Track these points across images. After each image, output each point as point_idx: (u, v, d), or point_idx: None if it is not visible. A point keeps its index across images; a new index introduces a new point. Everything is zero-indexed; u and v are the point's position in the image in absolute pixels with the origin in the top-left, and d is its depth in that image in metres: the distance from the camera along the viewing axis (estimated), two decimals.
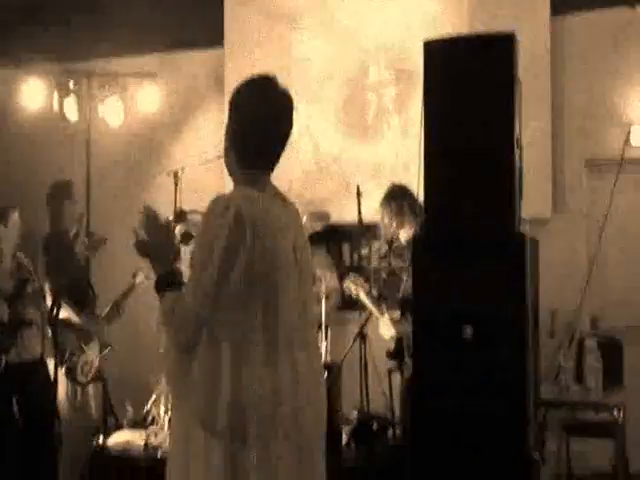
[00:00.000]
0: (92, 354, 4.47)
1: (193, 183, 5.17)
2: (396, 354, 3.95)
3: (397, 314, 3.99)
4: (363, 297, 4.27)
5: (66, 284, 4.25)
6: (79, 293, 4.47)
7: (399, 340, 3.95)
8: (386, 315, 4.07)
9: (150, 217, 2.26)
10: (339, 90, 5.90)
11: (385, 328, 4.12)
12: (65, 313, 4.22)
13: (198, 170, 5.17)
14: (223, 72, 5.95)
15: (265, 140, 2.25)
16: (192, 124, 6.23)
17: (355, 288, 4.28)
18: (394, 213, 4.17)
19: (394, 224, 4.16)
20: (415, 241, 3.32)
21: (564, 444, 4.58)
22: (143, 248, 2.26)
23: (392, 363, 4.18)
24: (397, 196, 4.21)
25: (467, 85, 3.26)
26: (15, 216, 4.63)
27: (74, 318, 4.30)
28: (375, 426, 4.24)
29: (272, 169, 2.29)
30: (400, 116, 5.76)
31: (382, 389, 4.53)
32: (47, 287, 4.31)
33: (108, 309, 4.61)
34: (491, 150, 3.20)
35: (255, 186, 2.22)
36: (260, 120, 2.24)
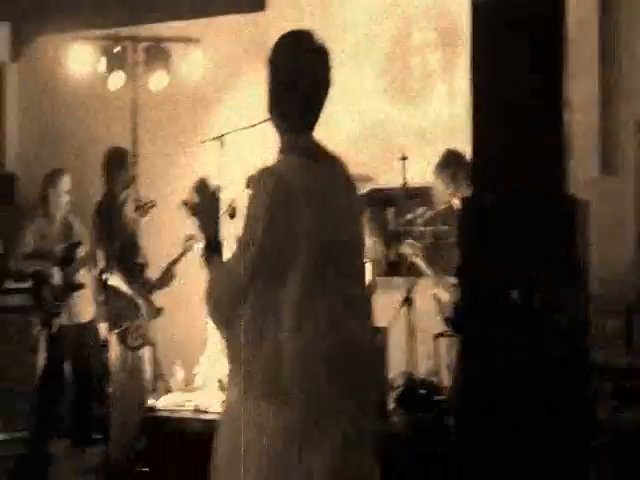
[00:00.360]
0: (142, 318, 4.52)
1: (238, 148, 5.18)
2: (455, 320, 3.92)
3: (453, 280, 3.96)
4: (420, 263, 4.24)
5: (118, 248, 4.30)
6: (130, 258, 4.51)
7: (456, 306, 3.91)
8: (443, 281, 4.05)
9: (203, 183, 2.28)
10: (383, 53, 5.82)
11: (442, 294, 4.10)
12: (115, 281, 4.26)
13: (243, 135, 5.17)
14: (266, 36, 5.91)
15: (300, 95, 2.22)
16: (236, 89, 6.22)
17: (412, 253, 4.26)
18: (449, 179, 4.13)
19: (448, 190, 4.12)
20: (463, 205, 3.28)
21: (613, 412, 4.53)
22: (193, 208, 2.29)
23: (440, 328, 4.18)
24: (451, 162, 4.18)
25: (515, 43, 3.19)
26: (65, 180, 4.69)
27: (123, 287, 4.34)
28: (422, 392, 4.23)
29: (312, 127, 2.26)
30: (446, 79, 5.67)
31: (429, 355, 4.52)
32: (99, 251, 4.35)
33: (160, 274, 4.65)
34: (540, 109, 3.14)
35: (297, 151, 2.21)
36: (294, 74, 2.21)
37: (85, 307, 4.59)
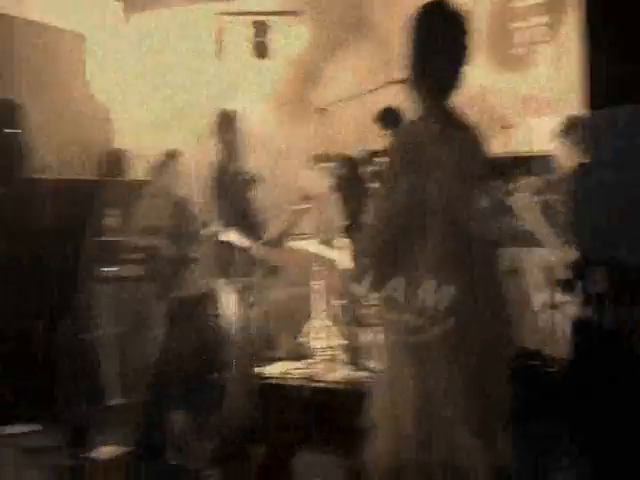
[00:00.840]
0: (258, 276, 4.61)
1: (340, 119, 5.22)
2: (568, 284, 3.88)
3: (565, 246, 3.91)
4: (536, 229, 4.20)
5: (233, 207, 4.39)
6: (246, 217, 4.57)
7: (571, 270, 3.86)
8: (555, 245, 4.00)
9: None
10: (487, 19, 5.72)
11: (553, 261, 4.06)
12: (229, 237, 4.35)
13: (344, 106, 5.19)
14: (368, 8, 5.91)
15: (439, 62, 2.27)
16: (338, 60, 6.24)
17: (527, 203, 4.23)
18: (571, 145, 4.07)
19: (573, 156, 4.05)
20: (582, 170, 3.23)
21: None
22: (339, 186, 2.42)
23: (544, 297, 4.14)
24: (575, 127, 4.10)
25: (630, 6, 3.10)
26: (179, 158, 4.85)
27: (237, 243, 4.40)
28: (533, 363, 4.20)
29: (450, 93, 2.31)
30: (551, 44, 5.53)
31: (537, 326, 4.48)
32: (215, 210, 4.45)
33: (273, 237, 4.70)
34: None
35: (434, 116, 2.25)
36: (434, 41, 2.26)
37: (198, 279, 4.73)
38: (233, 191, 4.48)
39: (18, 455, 3.64)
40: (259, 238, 4.60)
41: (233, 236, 4.33)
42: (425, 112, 2.29)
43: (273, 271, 4.77)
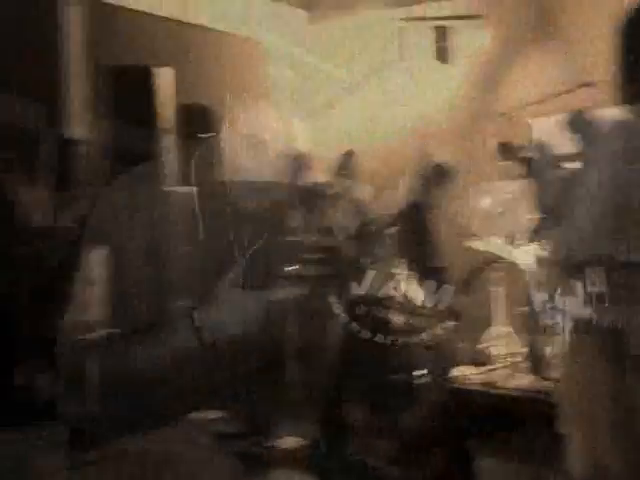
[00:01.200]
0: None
1: (523, 124, 5.12)
2: None
3: None
4: None
5: (418, 253, 4.40)
6: (429, 262, 4.54)
7: None
8: None
9: None
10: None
11: None
12: (412, 291, 4.34)
13: (531, 110, 5.09)
14: (556, 9, 5.75)
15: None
16: (521, 64, 6.13)
17: None
18: None
19: None
20: None
21: None
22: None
23: None
24: None
25: None
26: (354, 161, 4.94)
27: (416, 297, 4.43)
28: None
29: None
30: None
31: None
32: (400, 251, 4.47)
33: (461, 283, 4.64)
34: None
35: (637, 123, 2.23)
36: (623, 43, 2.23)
37: (377, 281, 4.78)
38: (423, 230, 4.48)
39: (207, 439, 3.84)
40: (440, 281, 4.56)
41: (412, 288, 4.31)
42: (633, 116, 2.24)
43: (453, 317, 4.72)
